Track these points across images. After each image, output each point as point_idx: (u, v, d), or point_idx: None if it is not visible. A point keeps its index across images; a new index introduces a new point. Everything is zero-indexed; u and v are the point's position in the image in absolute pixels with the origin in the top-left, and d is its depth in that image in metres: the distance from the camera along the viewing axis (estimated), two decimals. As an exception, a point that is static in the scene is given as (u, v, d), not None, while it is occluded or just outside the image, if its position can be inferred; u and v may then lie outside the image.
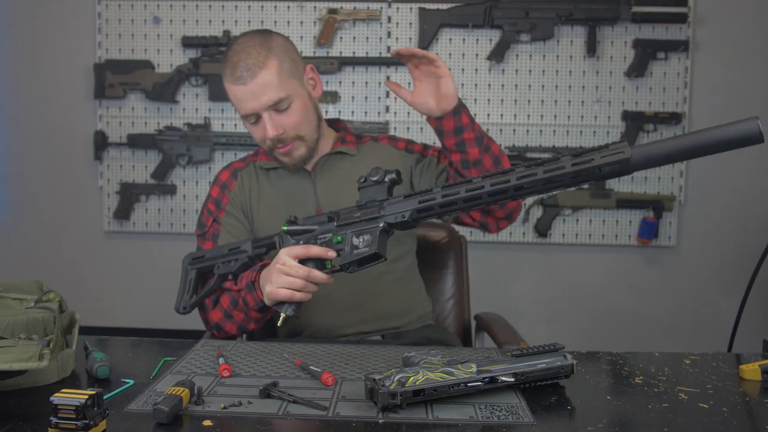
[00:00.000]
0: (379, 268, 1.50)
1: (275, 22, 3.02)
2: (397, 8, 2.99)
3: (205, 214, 1.55)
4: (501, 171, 1.06)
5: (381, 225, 1.16)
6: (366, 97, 3.02)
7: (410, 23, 2.99)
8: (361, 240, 1.18)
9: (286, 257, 1.23)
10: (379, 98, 3.01)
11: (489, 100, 3.00)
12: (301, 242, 1.25)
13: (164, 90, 3.02)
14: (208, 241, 1.52)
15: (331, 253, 1.21)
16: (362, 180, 1.21)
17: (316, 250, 1.21)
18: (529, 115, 3.01)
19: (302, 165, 1.49)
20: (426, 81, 1.33)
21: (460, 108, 1.33)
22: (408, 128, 3.00)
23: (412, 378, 0.96)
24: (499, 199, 1.07)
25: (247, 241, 1.37)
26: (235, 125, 3.05)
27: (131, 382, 1.07)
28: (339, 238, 1.20)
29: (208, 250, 1.44)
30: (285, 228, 1.27)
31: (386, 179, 1.19)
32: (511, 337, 1.61)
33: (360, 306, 1.48)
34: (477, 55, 2.99)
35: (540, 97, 3.00)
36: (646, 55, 2.93)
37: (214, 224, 1.52)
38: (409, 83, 1.42)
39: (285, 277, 1.22)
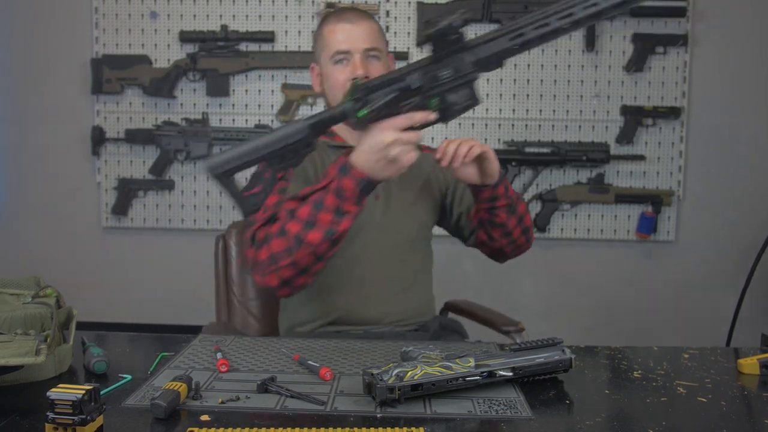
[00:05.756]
0: (416, 265, 1.51)
1: (273, 16, 3.01)
2: (396, 2, 2.97)
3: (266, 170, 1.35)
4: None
5: (477, 77, 1.12)
6: (364, 92, 3.01)
7: (408, 18, 2.98)
8: (459, 95, 1.14)
9: (392, 134, 1.15)
10: (378, 93, 3.00)
11: (488, 94, 2.99)
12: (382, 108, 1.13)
13: (162, 85, 3.01)
14: (272, 195, 1.38)
15: (432, 116, 1.15)
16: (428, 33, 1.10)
17: (420, 116, 1.15)
18: (527, 110, 3.01)
19: None
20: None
21: (500, 181, 1.38)
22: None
23: (410, 372, 0.96)
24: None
25: (301, 122, 1.14)
26: (233, 120, 3.04)
27: (128, 377, 1.07)
28: (435, 102, 1.13)
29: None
30: (358, 82, 1.15)
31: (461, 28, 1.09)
32: (503, 318, 1.71)
33: (396, 298, 1.48)
34: (475, 49, 2.97)
35: (539, 91, 3.00)
36: (645, 49, 2.92)
37: (282, 181, 1.41)
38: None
39: (403, 146, 1.17)
